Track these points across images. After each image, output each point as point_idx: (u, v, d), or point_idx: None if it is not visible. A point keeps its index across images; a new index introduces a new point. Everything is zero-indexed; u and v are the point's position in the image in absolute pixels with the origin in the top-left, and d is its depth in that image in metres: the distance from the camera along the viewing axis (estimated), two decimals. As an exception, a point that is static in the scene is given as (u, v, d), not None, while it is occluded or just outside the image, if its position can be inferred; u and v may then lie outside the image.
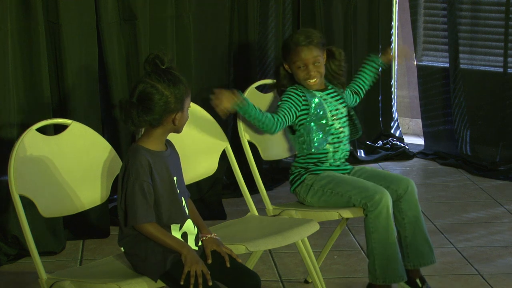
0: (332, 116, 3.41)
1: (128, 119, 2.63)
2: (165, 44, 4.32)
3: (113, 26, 4.15)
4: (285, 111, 3.34)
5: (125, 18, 4.20)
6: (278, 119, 3.29)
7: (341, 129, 3.43)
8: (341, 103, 3.46)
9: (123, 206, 2.66)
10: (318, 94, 3.42)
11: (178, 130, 2.74)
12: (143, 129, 2.73)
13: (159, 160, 2.69)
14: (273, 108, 3.53)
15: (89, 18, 4.06)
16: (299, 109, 3.37)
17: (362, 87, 3.63)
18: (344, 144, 3.45)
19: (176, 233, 2.71)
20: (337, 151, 3.43)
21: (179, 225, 2.72)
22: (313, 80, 3.38)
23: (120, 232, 2.73)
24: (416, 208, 3.36)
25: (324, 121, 3.39)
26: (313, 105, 3.38)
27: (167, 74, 2.65)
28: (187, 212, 2.76)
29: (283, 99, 3.39)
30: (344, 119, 3.46)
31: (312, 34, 3.38)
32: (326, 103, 3.41)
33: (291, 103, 3.36)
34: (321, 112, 3.38)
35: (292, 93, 3.40)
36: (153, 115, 2.63)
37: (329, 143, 3.40)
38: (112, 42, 4.16)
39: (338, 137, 3.42)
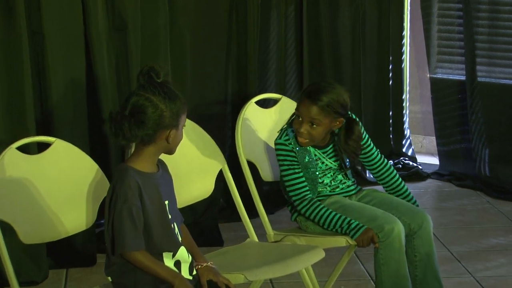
0: (323, 171, 3.36)
1: (119, 133, 2.61)
2: (158, 55, 4.32)
3: (102, 36, 4.15)
4: (303, 181, 3.30)
5: (115, 28, 4.21)
6: (312, 198, 3.29)
7: (332, 182, 3.39)
8: (335, 160, 3.39)
9: (110, 232, 2.64)
10: (312, 151, 3.35)
11: (171, 151, 2.72)
12: (133, 147, 2.71)
13: (149, 182, 2.67)
14: (275, 124, 3.52)
15: (76, 28, 4.08)
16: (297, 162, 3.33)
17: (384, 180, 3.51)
18: (342, 179, 3.41)
19: (169, 261, 2.70)
20: (336, 188, 3.40)
21: (171, 253, 2.71)
22: (301, 138, 3.29)
23: (107, 260, 2.72)
24: (430, 245, 3.32)
25: (313, 176, 3.33)
26: (303, 162, 3.32)
27: (163, 87, 2.65)
28: (180, 239, 2.75)
29: (285, 164, 3.31)
30: (332, 171, 3.39)
31: (325, 96, 3.23)
32: (318, 163, 3.35)
33: (294, 166, 3.30)
34: (312, 169, 3.33)
35: (286, 155, 3.31)
36: (145, 130, 2.62)
37: (323, 186, 3.38)
38: (102, 53, 4.17)
39: (331, 183, 3.39)
